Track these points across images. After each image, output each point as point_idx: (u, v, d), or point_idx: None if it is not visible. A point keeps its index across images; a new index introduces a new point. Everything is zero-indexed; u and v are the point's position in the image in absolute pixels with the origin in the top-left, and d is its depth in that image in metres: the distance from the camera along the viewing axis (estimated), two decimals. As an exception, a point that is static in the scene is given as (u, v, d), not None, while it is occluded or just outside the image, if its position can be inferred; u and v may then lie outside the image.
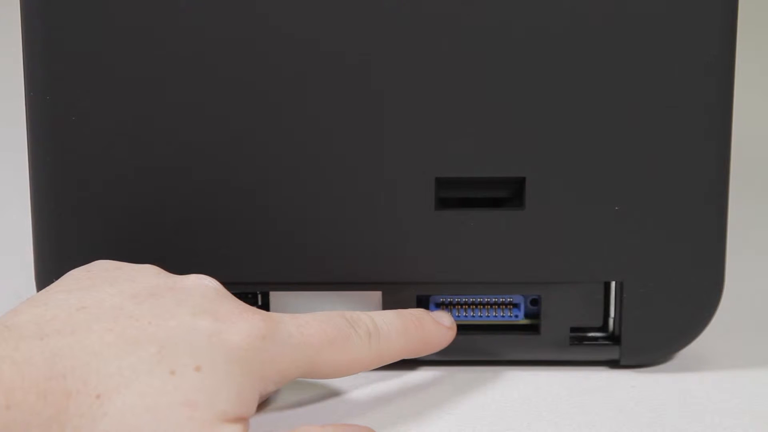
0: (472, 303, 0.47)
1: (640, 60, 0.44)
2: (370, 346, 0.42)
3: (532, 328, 0.47)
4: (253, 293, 0.47)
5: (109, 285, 0.40)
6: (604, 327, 0.47)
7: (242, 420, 0.38)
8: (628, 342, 0.47)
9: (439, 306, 0.47)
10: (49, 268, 0.46)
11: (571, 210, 0.45)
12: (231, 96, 0.44)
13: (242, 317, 0.40)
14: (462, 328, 0.47)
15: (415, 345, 0.44)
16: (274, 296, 0.47)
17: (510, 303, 0.47)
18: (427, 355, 0.45)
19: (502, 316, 0.47)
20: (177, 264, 0.45)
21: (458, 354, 0.47)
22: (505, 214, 0.46)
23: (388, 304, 0.46)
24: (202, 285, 0.41)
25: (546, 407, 0.44)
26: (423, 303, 0.47)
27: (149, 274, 0.42)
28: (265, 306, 0.47)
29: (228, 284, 0.44)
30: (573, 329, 0.47)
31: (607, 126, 0.44)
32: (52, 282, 0.42)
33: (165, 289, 0.40)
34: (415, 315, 0.45)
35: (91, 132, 0.45)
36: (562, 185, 0.45)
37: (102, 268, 0.42)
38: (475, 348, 0.47)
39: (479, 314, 0.47)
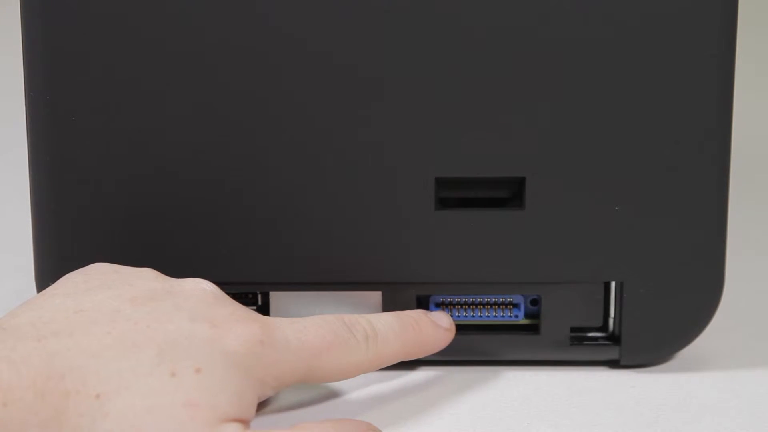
0: (472, 303, 0.47)
1: (640, 60, 0.44)
2: (368, 349, 0.42)
3: (532, 328, 0.47)
4: (252, 293, 0.47)
5: (107, 288, 0.40)
6: (604, 327, 0.47)
7: (243, 421, 0.38)
8: (628, 342, 0.46)
9: (439, 306, 0.47)
10: (49, 268, 0.46)
11: (571, 210, 0.45)
12: (231, 96, 0.44)
13: (240, 323, 0.40)
14: (462, 328, 0.47)
15: (413, 347, 0.44)
16: (274, 296, 0.47)
17: (510, 303, 0.47)
18: (428, 356, 0.45)
19: (502, 316, 0.47)
20: (178, 264, 0.45)
21: (458, 354, 0.47)
22: (505, 214, 0.46)
23: (387, 305, 0.46)
24: (200, 289, 0.41)
25: (546, 407, 0.44)
26: (423, 303, 0.47)
27: (147, 277, 0.42)
28: (265, 306, 0.47)
29: (228, 284, 0.44)
30: (573, 329, 0.47)
31: (607, 126, 0.44)
32: (52, 282, 0.42)
33: (163, 293, 0.40)
34: (413, 317, 0.45)
35: (91, 132, 0.45)
36: (562, 185, 0.45)
37: (100, 271, 0.42)
38: (475, 348, 0.47)
39: (479, 314, 0.47)
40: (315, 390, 0.45)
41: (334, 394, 0.45)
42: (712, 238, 0.46)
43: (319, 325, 0.41)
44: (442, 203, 0.46)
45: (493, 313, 0.47)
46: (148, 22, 0.44)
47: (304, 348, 0.41)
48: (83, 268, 0.43)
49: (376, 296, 0.47)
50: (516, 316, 0.47)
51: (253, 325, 0.40)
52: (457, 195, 0.46)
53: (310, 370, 0.41)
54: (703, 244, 0.46)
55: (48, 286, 0.42)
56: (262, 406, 0.44)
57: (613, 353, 0.47)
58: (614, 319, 0.47)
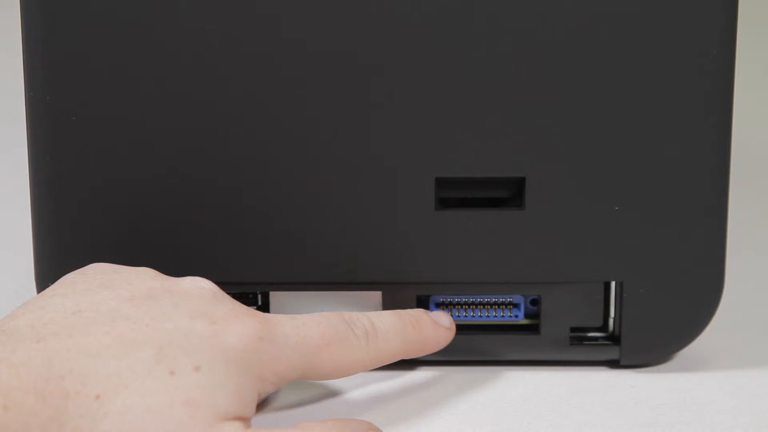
0: (472, 303, 0.47)
1: (640, 60, 0.44)
2: (368, 346, 0.42)
3: (532, 328, 0.47)
4: (253, 293, 0.47)
5: (106, 288, 0.40)
6: (604, 327, 0.47)
7: (243, 419, 0.38)
8: (628, 342, 0.46)
9: (439, 306, 0.47)
10: (49, 268, 0.46)
11: (571, 210, 0.45)
12: (231, 96, 0.44)
13: (239, 319, 0.40)
14: (462, 328, 0.47)
15: (413, 345, 0.44)
16: (274, 296, 0.47)
17: (510, 303, 0.47)
18: (428, 355, 0.45)
19: (502, 316, 0.47)
20: (177, 264, 0.45)
21: (458, 354, 0.47)
22: (505, 214, 0.46)
23: (388, 304, 0.46)
24: (198, 287, 0.41)
25: (546, 407, 0.44)
26: (423, 303, 0.47)
27: (146, 276, 0.42)
28: (265, 306, 0.47)
29: (228, 284, 0.44)
30: (573, 329, 0.47)
31: (607, 126, 0.44)
32: (52, 282, 0.42)
33: (161, 292, 0.40)
34: (414, 315, 0.45)
35: (91, 132, 0.45)
36: (562, 185, 0.45)
37: (98, 271, 0.42)
38: (475, 348, 0.47)
39: (479, 314, 0.47)
40: (315, 389, 0.45)
41: (334, 394, 0.45)
42: (712, 238, 0.46)
43: (318, 321, 0.41)
44: (442, 203, 0.46)
45: (493, 313, 0.47)
46: (148, 21, 0.44)
47: (303, 344, 0.41)
48: (82, 269, 0.43)
49: (376, 296, 0.47)
50: (516, 316, 0.47)
51: (252, 321, 0.40)
52: (457, 195, 0.46)
53: (309, 367, 0.41)
54: (704, 244, 0.46)
55: (48, 286, 0.42)
56: (262, 405, 0.44)
57: (613, 353, 0.47)
58: (614, 319, 0.47)
